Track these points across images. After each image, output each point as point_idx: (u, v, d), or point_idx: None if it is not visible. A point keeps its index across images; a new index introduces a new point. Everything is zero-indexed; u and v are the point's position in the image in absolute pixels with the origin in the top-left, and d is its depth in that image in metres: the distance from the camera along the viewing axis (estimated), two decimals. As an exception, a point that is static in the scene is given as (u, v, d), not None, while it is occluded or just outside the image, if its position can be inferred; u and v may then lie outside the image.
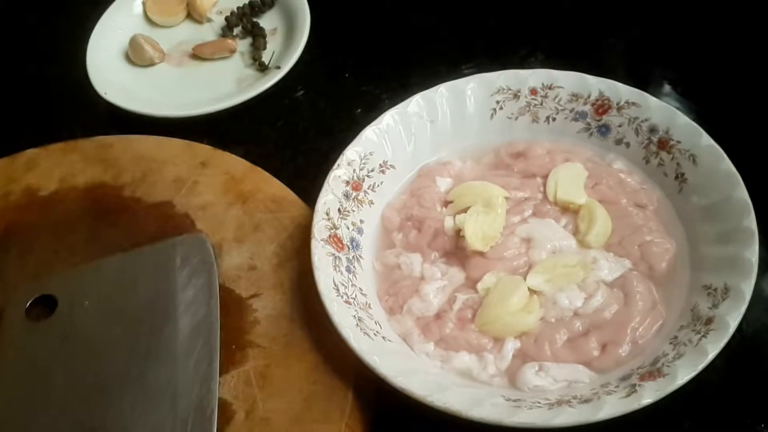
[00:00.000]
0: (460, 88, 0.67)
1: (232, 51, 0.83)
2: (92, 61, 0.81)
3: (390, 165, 0.66)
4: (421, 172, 0.67)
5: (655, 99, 0.64)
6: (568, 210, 0.62)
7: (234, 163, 0.70)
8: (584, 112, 0.66)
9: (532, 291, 0.57)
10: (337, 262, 0.59)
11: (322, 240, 0.59)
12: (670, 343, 0.53)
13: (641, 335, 0.55)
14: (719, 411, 0.55)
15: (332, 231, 0.61)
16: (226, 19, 0.86)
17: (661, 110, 0.63)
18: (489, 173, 0.66)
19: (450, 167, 0.67)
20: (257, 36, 0.84)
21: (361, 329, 0.55)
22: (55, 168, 0.72)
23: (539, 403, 0.51)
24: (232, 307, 0.60)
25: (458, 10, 0.86)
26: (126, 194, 0.69)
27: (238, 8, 0.86)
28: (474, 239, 0.59)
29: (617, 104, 0.65)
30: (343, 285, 0.58)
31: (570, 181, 0.63)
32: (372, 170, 0.65)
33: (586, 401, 0.50)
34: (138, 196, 0.69)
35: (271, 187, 0.68)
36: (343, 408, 0.54)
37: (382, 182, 0.66)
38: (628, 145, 0.65)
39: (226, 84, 0.80)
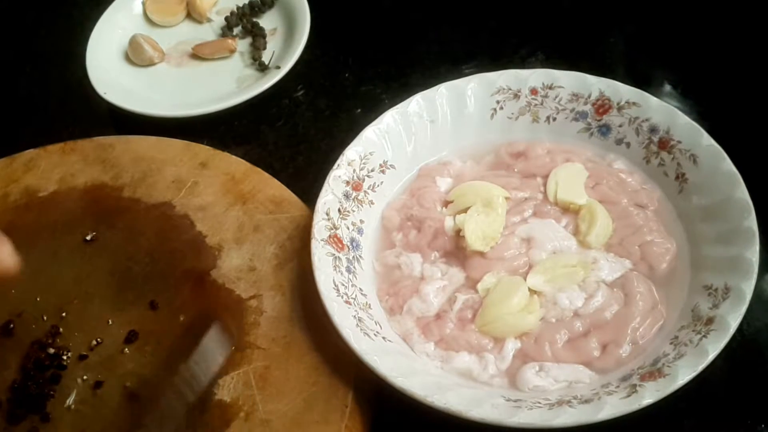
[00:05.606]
0: (461, 88, 0.67)
1: (232, 51, 0.83)
2: (92, 61, 0.81)
3: (390, 165, 0.66)
4: (421, 172, 0.67)
5: (655, 99, 0.63)
6: (568, 210, 0.62)
7: (234, 163, 0.70)
8: (584, 112, 0.66)
9: (532, 291, 0.57)
10: (337, 263, 0.59)
11: (322, 240, 0.59)
12: (671, 344, 0.53)
13: (642, 335, 0.55)
14: (720, 411, 0.55)
15: (332, 231, 0.61)
16: (226, 19, 0.86)
17: (662, 110, 0.63)
18: (489, 173, 0.66)
19: (450, 167, 0.67)
20: (257, 36, 0.84)
21: (361, 329, 0.55)
22: (54, 168, 0.72)
23: (539, 403, 0.51)
24: (232, 308, 0.60)
25: (458, 9, 0.86)
26: (125, 195, 0.69)
27: (238, 8, 0.86)
28: (474, 239, 0.59)
29: (618, 104, 0.64)
30: (343, 285, 0.58)
31: (570, 181, 0.63)
32: (372, 170, 0.65)
33: (587, 401, 0.50)
34: (137, 196, 0.69)
35: (271, 187, 0.68)
36: (343, 409, 0.54)
37: (382, 182, 0.66)
38: (628, 145, 0.65)
39: (226, 84, 0.80)
